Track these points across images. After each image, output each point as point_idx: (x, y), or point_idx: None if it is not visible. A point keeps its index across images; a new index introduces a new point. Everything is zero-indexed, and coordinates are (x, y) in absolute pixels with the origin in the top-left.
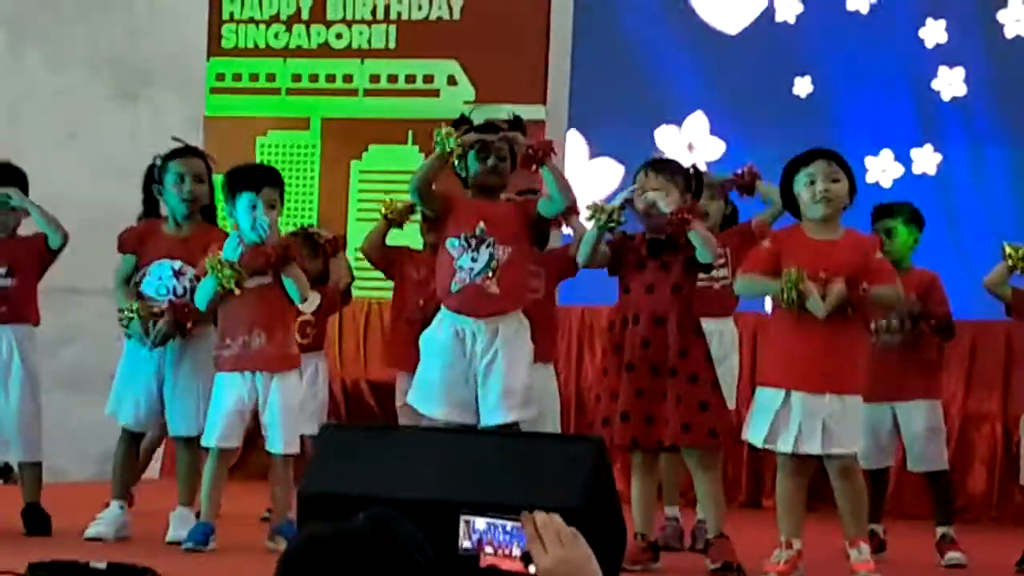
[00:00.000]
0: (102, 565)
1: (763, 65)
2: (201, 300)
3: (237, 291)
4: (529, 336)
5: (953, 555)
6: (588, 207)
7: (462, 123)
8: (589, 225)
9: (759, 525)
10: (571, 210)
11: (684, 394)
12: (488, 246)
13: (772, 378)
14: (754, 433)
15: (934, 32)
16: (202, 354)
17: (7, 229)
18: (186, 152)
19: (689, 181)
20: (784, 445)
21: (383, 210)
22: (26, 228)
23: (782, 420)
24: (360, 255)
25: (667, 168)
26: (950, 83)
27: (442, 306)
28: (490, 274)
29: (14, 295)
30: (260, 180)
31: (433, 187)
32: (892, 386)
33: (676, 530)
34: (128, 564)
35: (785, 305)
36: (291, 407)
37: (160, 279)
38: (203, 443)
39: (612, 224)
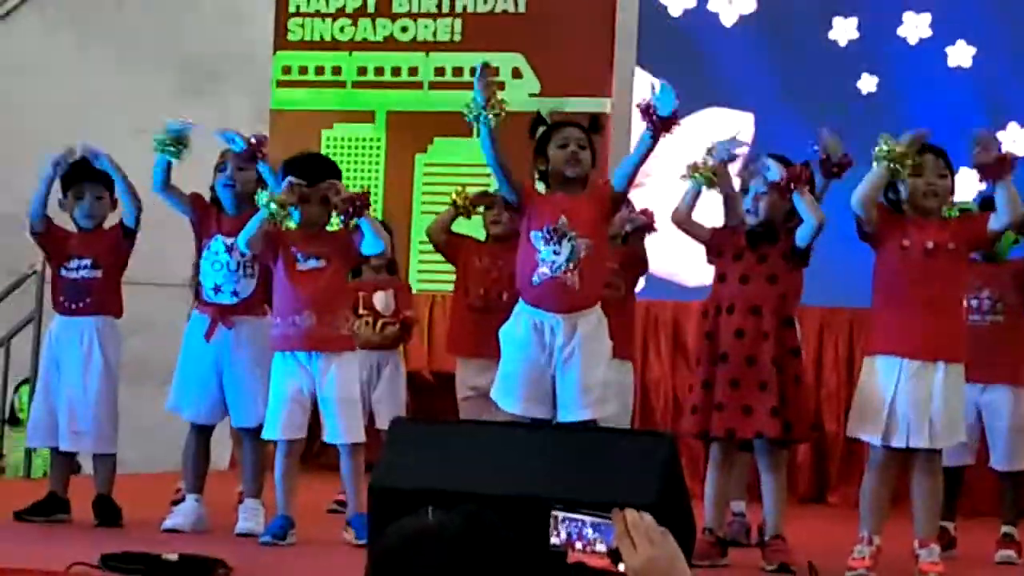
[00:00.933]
0: (174, 557)
1: (828, 64)
2: (243, 237)
3: (280, 220)
4: (607, 332)
5: (1005, 553)
6: (687, 167)
7: (537, 123)
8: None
9: (823, 519)
10: (648, 225)
11: (780, 390)
12: (570, 239)
13: (886, 346)
14: (867, 430)
15: None
16: (259, 343)
17: (94, 221)
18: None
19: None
20: (898, 441)
21: (453, 197)
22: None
23: (894, 416)
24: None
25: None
26: None
27: (520, 299)
28: (571, 267)
29: (99, 287)
30: (301, 168)
31: (509, 172)
32: (980, 368)
33: (743, 525)
34: (199, 556)
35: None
36: (348, 393)
37: (216, 254)
38: (264, 435)
39: (709, 182)
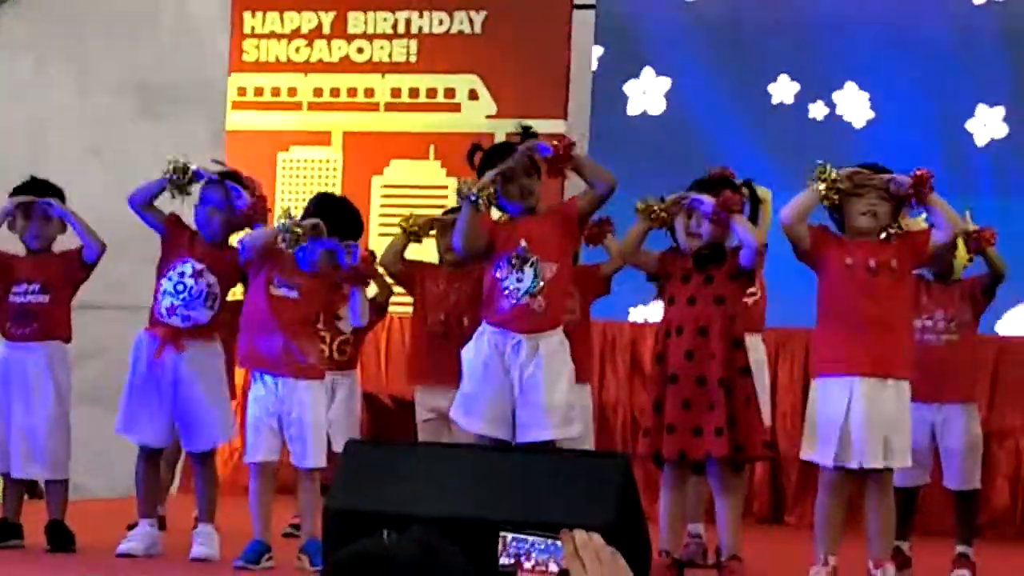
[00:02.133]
0: None
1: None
2: (250, 241)
3: (288, 244)
4: (569, 354)
5: (960, 572)
6: (638, 202)
7: (474, 152)
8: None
9: (781, 540)
10: (606, 224)
11: (727, 409)
12: (532, 265)
13: (835, 367)
14: (819, 452)
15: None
16: (210, 366)
17: (43, 242)
18: (217, 181)
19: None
20: (853, 463)
21: (403, 224)
22: (58, 246)
23: (847, 437)
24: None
25: (709, 182)
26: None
27: (484, 321)
28: (536, 292)
29: (46, 312)
30: (336, 218)
31: (479, 238)
32: (935, 388)
33: (700, 546)
34: None
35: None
36: (317, 419)
37: (182, 276)
38: (246, 460)
39: (657, 221)
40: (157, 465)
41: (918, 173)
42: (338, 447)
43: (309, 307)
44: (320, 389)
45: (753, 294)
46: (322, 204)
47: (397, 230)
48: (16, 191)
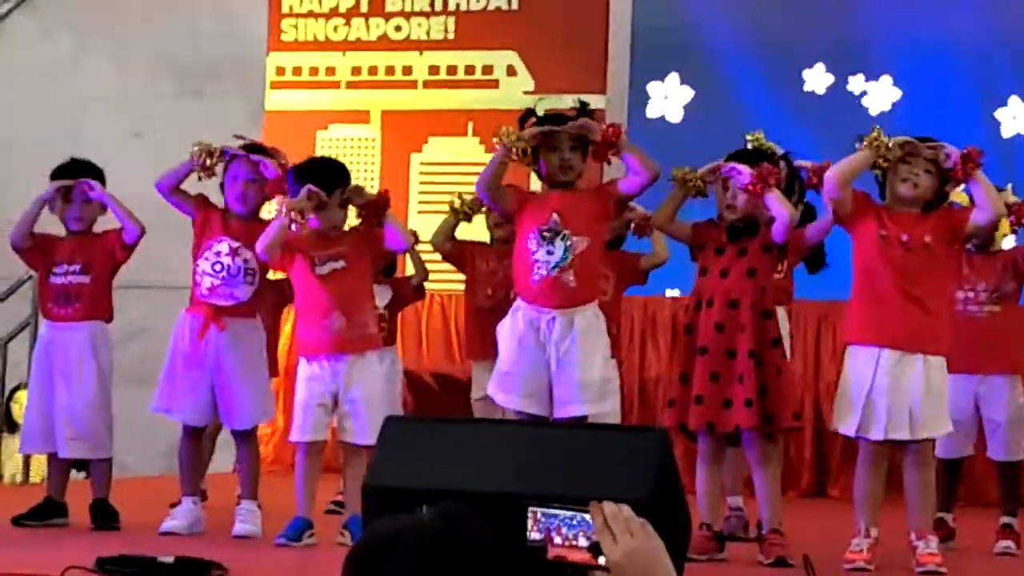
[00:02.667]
0: (170, 559)
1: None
2: (261, 244)
3: (296, 226)
4: (605, 329)
5: (1004, 543)
6: (674, 170)
7: (528, 116)
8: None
9: (824, 513)
10: (646, 220)
11: (757, 381)
12: (563, 238)
13: (863, 336)
14: (844, 422)
15: None
16: (251, 344)
17: (84, 224)
18: (243, 155)
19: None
20: (876, 433)
21: (452, 204)
22: (99, 226)
23: (871, 407)
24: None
25: (748, 153)
26: None
27: (518, 297)
28: (567, 266)
29: (88, 292)
30: (316, 175)
31: (501, 187)
32: (978, 359)
33: (740, 520)
34: (195, 558)
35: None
36: (374, 394)
37: (218, 255)
38: (291, 439)
39: (693, 190)
40: (199, 443)
41: (968, 149)
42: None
43: (359, 272)
44: (378, 360)
45: (780, 271)
46: (300, 172)
47: (436, 207)
48: (56, 173)
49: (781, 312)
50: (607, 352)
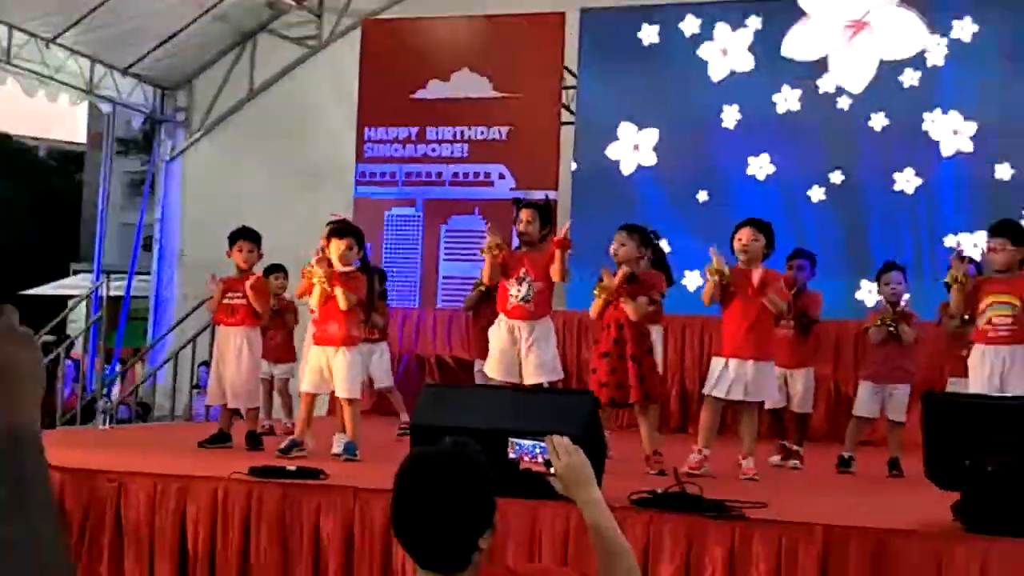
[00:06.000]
0: (293, 468)
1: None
2: (314, 299)
3: (329, 289)
4: (553, 331)
5: (791, 461)
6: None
7: (518, 202)
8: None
9: (687, 443)
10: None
11: (636, 370)
12: (527, 283)
13: (718, 350)
14: (707, 388)
15: None
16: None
17: (248, 264)
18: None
19: (646, 237)
20: (719, 392)
21: (478, 285)
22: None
23: (722, 377)
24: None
25: (627, 228)
26: None
27: (501, 314)
28: (528, 299)
29: (244, 309)
30: (340, 230)
31: (498, 273)
32: (785, 358)
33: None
34: (309, 467)
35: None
36: (354, 370)
37: None
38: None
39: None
40: (312, 404)
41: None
42: (379, 385)
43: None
44: (357, 351)
45: (655, 301)
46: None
47: (456, 258)
48: (232, 235)
49: (658, 328)
50: (554, 347)
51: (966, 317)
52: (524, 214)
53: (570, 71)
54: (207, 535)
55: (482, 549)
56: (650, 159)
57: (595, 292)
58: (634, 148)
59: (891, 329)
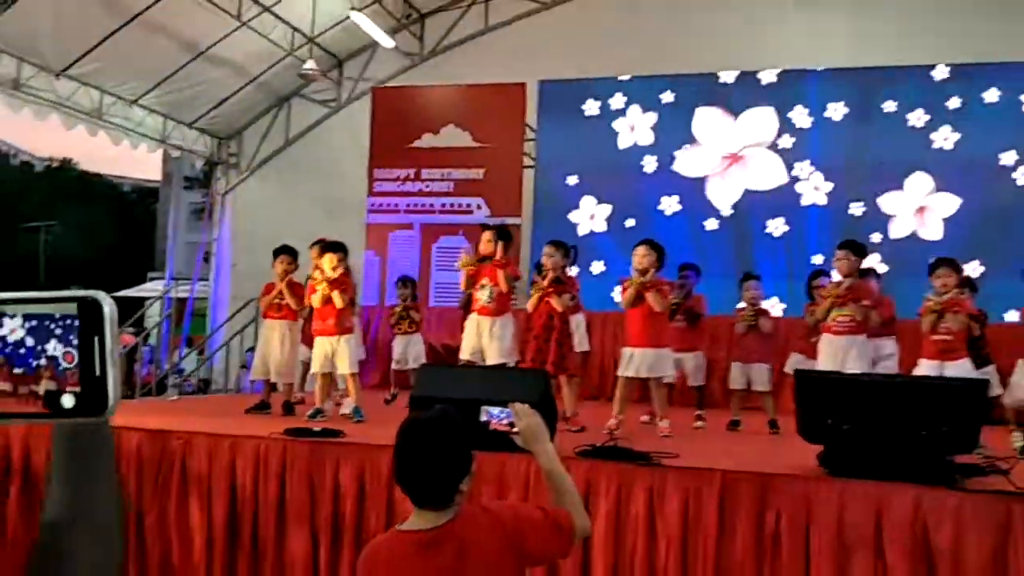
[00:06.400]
0: (318, 428)
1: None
2: (316, 301)
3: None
4: (512, 324)
5: (698, 423)
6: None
7: (485, 227)
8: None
9: (603, 408)
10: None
11: (558, 350)
12: (488, 288)
13: (625, 341)
14: (620, 370)
15: None
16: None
17: (287, 273)
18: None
19: (567, 250)
20: (629, 373)
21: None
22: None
23: (630, 362)
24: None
25: (554, 243)
26: None
27: (472, 312)
28: (490, 300)
29: (286, 308)
30: (330, 246)
31: (472, 283)
32: (678, 344)
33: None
34: (331, 428)
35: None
36: (352, 352)
37: None
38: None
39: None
40: (329, 379)
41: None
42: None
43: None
44: (353, 338)
45: (574, 297)
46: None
47: (448, 272)
48: (275, 251)
49: (580, 315)
50: (511, 336)
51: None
52: (485, 235)
53: (530, 127)
54: (251, 482)
55: (463, 491)
56: (590, 193)
57: (530, 291)
58: (577, 185)
59: (751, 323)
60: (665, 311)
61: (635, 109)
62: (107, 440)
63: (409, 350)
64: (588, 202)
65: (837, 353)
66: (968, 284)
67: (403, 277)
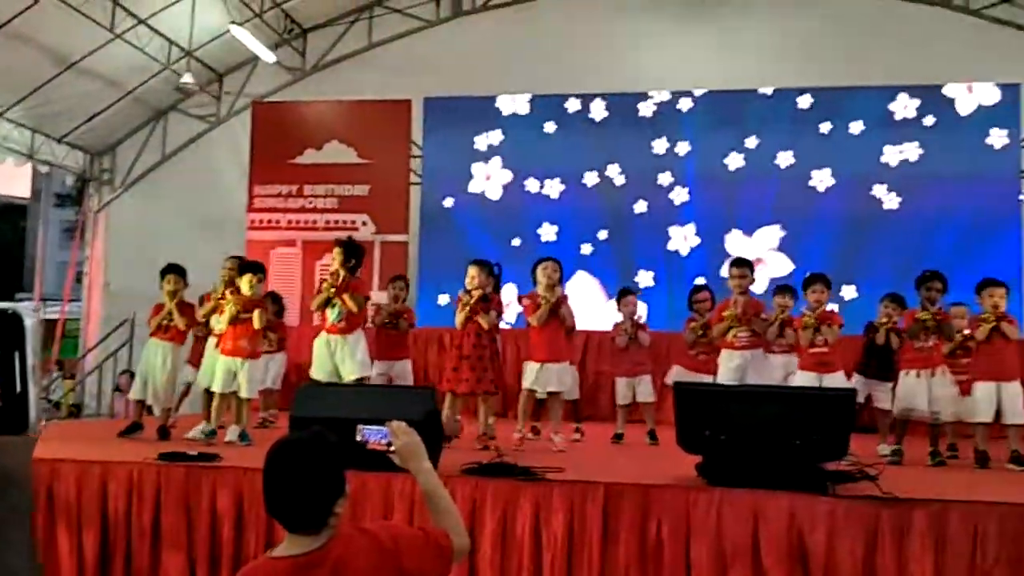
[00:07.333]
0: (195, 452)
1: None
2: (224, 319)
3: (239, 312)
4: (363, 338)
5: (574, 435)
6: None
7: (337, 241)
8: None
9: (510, 424)
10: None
11: (484, 370)
12: (338, 308)
13: (528, 355)
14: (526, 383)
15: None
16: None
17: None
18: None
19: (491, 268)
20: (536, 387)
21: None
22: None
23: (537, 377)
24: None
25: (478, 263)
26: None
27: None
28: (339, 319)
29: (174, 330)
30: (249, 266)
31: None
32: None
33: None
34: (208, 452)
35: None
36: (255, 378)
37: None
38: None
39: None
40: (211, 400)
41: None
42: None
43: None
44: (260, 361)
45: (500, 315)
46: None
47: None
48: (162, 271)
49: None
50: (363, 350)
51: (700, 333)
52: (335, 250)
53: (416, 144)
54: (124, 509)
55: (337, 513)
56: (474, 212)
57: (456, 309)
58: (458, 205)
59: (630, 337)
60: (573, 325)
61: (513, 129)
62: (23, 470)
63: (270, 368)
64: (472, 216)
65: (738, 366)
66: (895, 300)
67: (268, 293)
